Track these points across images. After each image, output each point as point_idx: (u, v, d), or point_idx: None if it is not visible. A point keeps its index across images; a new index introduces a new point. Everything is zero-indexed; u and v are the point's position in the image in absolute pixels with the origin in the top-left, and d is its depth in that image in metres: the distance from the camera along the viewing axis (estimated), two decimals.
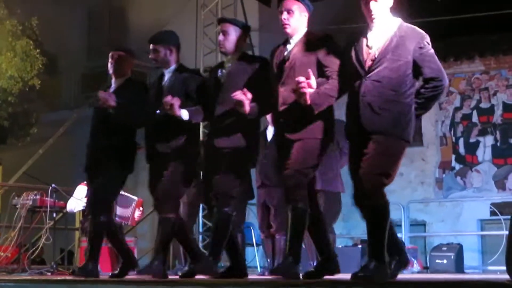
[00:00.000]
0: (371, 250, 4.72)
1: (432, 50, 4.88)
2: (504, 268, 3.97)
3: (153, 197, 6.16)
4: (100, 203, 6.38)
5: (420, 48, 4.82)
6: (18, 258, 9.05)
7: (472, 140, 15.26)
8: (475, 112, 15.27)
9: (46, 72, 15.35)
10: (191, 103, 5.89)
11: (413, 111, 4.88)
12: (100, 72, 17.99)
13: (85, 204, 8.87)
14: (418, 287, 3.74)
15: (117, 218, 8.73)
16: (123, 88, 6.52)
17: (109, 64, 6.71)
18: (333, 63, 5.08)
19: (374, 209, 4.72)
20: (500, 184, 14.89)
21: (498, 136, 15.05)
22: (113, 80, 6.72)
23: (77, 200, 9.02)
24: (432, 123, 15.64)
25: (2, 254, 8.68)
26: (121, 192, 9.02)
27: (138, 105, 6.19)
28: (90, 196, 6.65)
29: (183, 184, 6.07)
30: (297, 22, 5.29)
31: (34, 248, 8.96)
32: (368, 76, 4.79)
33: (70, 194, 9.32)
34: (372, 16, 4.86)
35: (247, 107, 5.23)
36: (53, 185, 9.17)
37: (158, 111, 5.99)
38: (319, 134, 5.15)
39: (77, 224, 10.58)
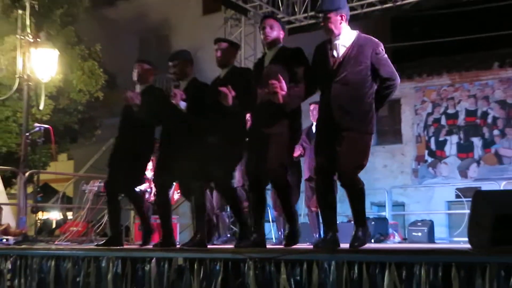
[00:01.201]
0: (357, 220, 4.72)
1: (386, 56, 4.74)
2: (466, 239, 3.97)
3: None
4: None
5: (376, 54, 4.67)
6: (86, 232, 9.11)
7: (441, 138, 15.26)
8: (443, 117, 15.25)
9: (108, 87, 15.40)
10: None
11: (374, 108, 4.73)
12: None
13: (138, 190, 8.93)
14: (399, 253, 3.75)
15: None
16: (145, 92, 6.36)
17: (134, 73, 6.52)
18: (302, 71, 4.93)
19: (356, 192, 4.70)
20: (463, 173, 14.89)
21: (461, 135, 15.04)
22: (137, 86, 6.55)
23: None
24: (409, 125, 15.65)
25: (74, 228, 8.72)
26: None
27: (159, 107, 5.96)
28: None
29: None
30: (275, 37, 5.14)
31: (99, 224, 9.00)
32: (336, 79, 4.66)
33: None
34: (334, 32, 4.75)
35: (230, 100, 5.03)
36: None
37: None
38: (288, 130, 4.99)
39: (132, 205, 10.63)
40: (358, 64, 4.66)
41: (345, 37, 4.77)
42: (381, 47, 4.74)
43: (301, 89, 4.90)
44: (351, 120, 4.64)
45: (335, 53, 4.75)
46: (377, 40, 4.78)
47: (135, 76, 6.54)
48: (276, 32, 5.14)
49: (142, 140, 6.29)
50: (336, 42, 4.77)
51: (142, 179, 6.95)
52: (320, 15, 4.88)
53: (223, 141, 5.28)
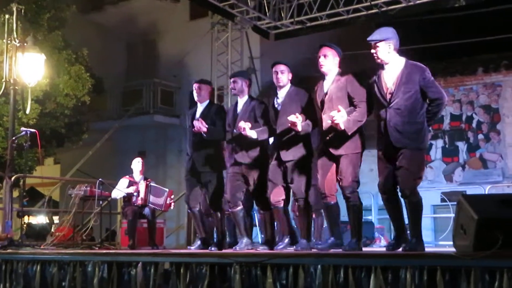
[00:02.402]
0: (413, 230, 5.26)
1: (432, 78, 5.19)
2: (451, 243, 3.98)
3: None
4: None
5: (424, 78, 5.12)
6: (72, 236, 9.07)
7: None
8: None
9: (94, 91, 15.35)
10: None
11: (426, 125, 5.18)
12: (136, 90, 18.10)
13: (124, 194, 8.90)
14: (385, 257, 3.75)
15: (150, 205, 8.72)
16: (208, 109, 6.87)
17: (195, 93, 6.96)
18: (359, 95, 5.42)
19: (414, 204, 5.13)
20: (448, 178, 14.92)
21: (446, 140, 15.08)
22: (199, 104, 6.97)
23: (119, 191, 9.03)
24: None
25: (59, 233, 8.69)
26: (154, 184, 9.04)
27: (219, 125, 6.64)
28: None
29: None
30: (331, 64, 5.64)
31: (85, 228, 8.97)
32: (390, 106, 5.10)
33: (113, 185, 9.32)
34: (382, 61, 5.23)
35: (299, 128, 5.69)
36: (100, 179, 9.22)
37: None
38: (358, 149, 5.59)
39: (119, 209, 10.60)
40: (408, 90, 5.10)
41: (395, 65, 5.22)
42: (427, 72, 5.20)
43: (360, 113, 5.43)
44: (404, 139, 5.09)
45: (387, 81, 5.19)
46: (423, 65, 5.27)
47: (196, 96, 6.99)
48: (330, 59, 5.64)
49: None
50: (386, 69, 5.23)
51: None
52: (371, 44, 5.29)
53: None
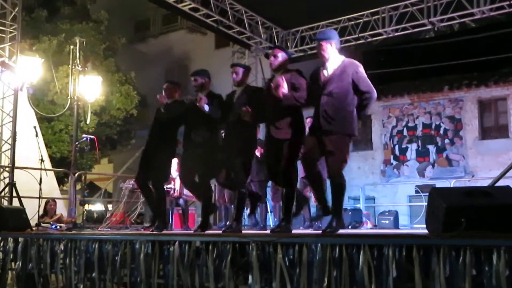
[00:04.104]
0: (335, 211, 4.62)
1: (364, 74, 4.71)
2: (424, 226, 3.96)
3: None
4: None
5: (356, 72, 4.67)
6: (123, 220, 9.09)
7: (403, 146, 15.25)
8: (405, 129, 15.26)
9: (140, 105, 15.46)
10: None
11: (355, 115, 4.67)
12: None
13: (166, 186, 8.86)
14: (371, 237, 3.73)
15: (184, 196, 8.68)
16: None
17: (163, 91, 6.25)
18: (301, 84, 4.89)
19: (339, 186, 4.63)
20: (421, 174, 14.89)
21: (419, 143, 15.05)
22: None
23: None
24: (378, 136, 15.65)
25: (113, 218, 8.70)
26: None
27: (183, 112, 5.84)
28: None
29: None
30: (280, 63, 5.10)
31: (133, 214, 8.99)
32: (324, 93, 4.67)
33: None
34: (324, 56, 4.78)
35: (251, 118, 5.09)
36: None
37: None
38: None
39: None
40: (341, 80, 4.65)
41: (333, 61, 4.78)
42: (361, 68, 4.74)
43: (298, 95, 4.85)
44: (334, 125, 4.60)
45: (325, 72, 4.76)
46: (357, 62, 4.79)
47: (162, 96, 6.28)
48: (280, 59, 5.10)
49: (167, 142, 6.08)
50: (326, 65, 4.78)
51: (169, 174, 6.49)
52: (314, 43, 4.88)
53: (241, 152, 5.23)
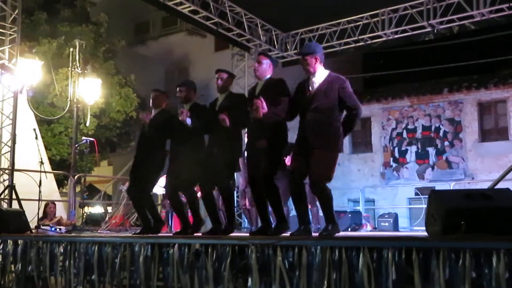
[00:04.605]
0: (327, 218, 4.61)
1: (351, 90, 4.64)
2: (424, 228, 3.96)
3: None
4: None
5: (343, 88, 4.59)
6: (123, 223, 9.09)
7: (403, 148, 15.24)
8: (405, 131, 15.25)
9: (140, 108, 15.45)
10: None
11: (341, 131, 4.63)
12: (172, 107, 18.14)
13: (164, 190, 8.85)
14: (371, 239, 3.73)
15: (183, 198, 8.62)
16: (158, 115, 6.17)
17: (151, 99, 6.24)
18: (281, 97, 4.82)
19: (324, 197, 4.59)
20: (421, 176, 14.87)
21: (419, 146, 15.03)
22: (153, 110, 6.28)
23: (159, 187, 9.00)
24: (378, 138, 15.64)
25: (112, 221, 8.70)
26: None
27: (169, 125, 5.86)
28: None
29: None
30: (264, 70, 5.04)
31: (133, 216, 8.98)
32: (310, 108, 4.61)
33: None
34: (310, 71, 4.72)
35: (228, 123, 5.02)
36: None
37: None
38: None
39: (159, 201, 10.61)
40: (327, 96, 4.59)
41: (319, 75, 4.71)
42: (347, 84, 4.65)
43: (279, 110, 4.78)
44: (319, 140, 4.55)
45: (310, 88, 4.71)
46: (343, 77, 4.71)
47: (151, 103, 6.32)
48: (265, 66, 5.04)
49: (156, 153, 6.08)
50: (312, 79, 4.73)
51: (155, 184, 6.50)
52: (300, 57, 4.82)
53: (224, 152, 5.20)
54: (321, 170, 4.54)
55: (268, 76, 5.07)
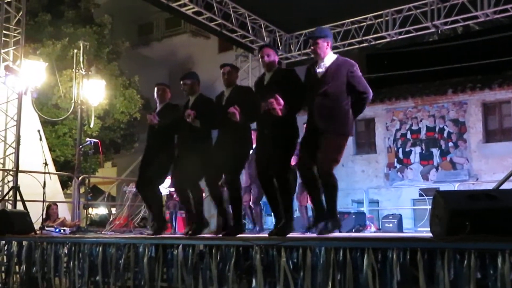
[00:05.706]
0: (329, 211, 4.54)
1: (360, 74, 4.61)
2: (428, 229, 3.95)
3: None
4: None
5: (351, 72, 4.57)
6: (127, 224, 9.09)
7: (407, 149, 15.21)
8: (409, 132, 15.22)
9: (144, 109, 15.47)
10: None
11: (351, 114, 4.62)
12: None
13: (168, 191, 8.87)
14: (375, 240, 3.72)
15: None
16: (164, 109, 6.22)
17: (155, 94, 6.32)
18: (294, 88, 4.75)
19: (331, 186, 4.54)
20: (425, 177, 14.84)
21: (423, 147, 15.00)
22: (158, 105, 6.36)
23: (163, 188, 9.00)
24: (382, 139, 15.61)
25: (116, 222, 8.71)
26: None
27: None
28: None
29: None
30: (272, 60, 4.98)
31: (137, 218, 8.98)
32: (318, 93, 4.59)
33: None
34: (320, 55, 4.70)
35: (237, 117, 4.94)
36: None
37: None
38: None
39: (163, 202, 10.58)
40: (336, 79, 4.57)
41: (328, 59, 4.71)
42: (356, 67, 4.64)
43: (296, 102, 4.73)
44: (329, 124, 4.55)
45: (318, 70, 4.70)
46: (352, 61, 4.69)
47: (156, 97, 6.39)
48: (272, 57, 5.01)
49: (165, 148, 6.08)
50: (320, 63, 4.72)
51: (164, 178, 6.49)
52: (310, 40, 4.80)
53: (232, 147, 5.13)
54: (330, 153, 4.51)
55: (276, 67, 5.03)
